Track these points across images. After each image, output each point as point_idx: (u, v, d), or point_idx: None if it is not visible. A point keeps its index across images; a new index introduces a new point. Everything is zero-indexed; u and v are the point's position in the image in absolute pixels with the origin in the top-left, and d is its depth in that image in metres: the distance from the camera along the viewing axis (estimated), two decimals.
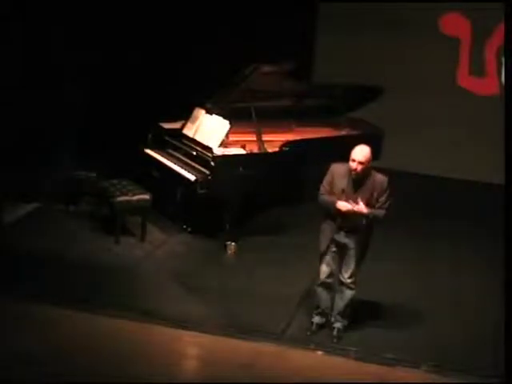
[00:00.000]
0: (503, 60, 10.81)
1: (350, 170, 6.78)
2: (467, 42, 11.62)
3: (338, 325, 7.15)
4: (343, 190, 6.79)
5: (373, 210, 6.78)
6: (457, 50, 11.65)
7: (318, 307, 7.25)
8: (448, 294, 8.10)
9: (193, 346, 7.16)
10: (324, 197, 6.93)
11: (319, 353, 6.95)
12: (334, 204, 6.80)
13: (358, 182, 6.80)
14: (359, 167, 6.73)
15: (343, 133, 9.87)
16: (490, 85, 11.61)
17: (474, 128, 11.47)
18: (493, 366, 6.74)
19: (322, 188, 6.96)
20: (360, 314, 7.36)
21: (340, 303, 7.11)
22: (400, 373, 6.71)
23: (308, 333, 7.20)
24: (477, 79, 11.69)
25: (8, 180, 9.05)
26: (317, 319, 7.26)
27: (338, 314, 7.14)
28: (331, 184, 6.90)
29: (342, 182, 6.83)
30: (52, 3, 9.45)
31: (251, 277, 8.24)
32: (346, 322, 7.17)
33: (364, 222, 6.83)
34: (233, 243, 8.80)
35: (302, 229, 9.26)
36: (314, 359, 6.90)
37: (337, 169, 6.92)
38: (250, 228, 9.28)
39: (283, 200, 9.98)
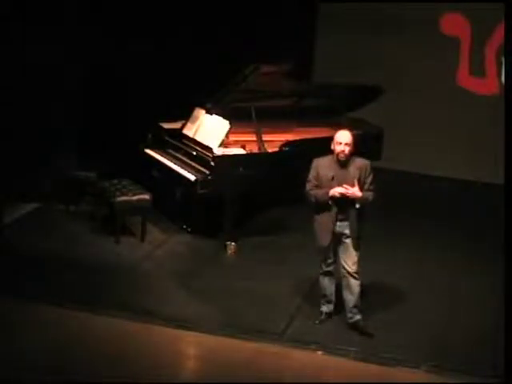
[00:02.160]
0: (503, 60, 10.80)
1: (337, 155, 6.96)
2: (467, 42, 11.62)
3: (357, 317, 7.19)
4: (333, 178, 6.96)
5: (364, 193, 6.96)
6: (457, 50, 11.64)
7: (324, 296, 7.36)
8: (448, 294, 8.10)
9: (193, 346, 7.16)
10: (314, 191, 7.06)
11: (319, 353, 6.94)
12: (327, 194, 6.94)
13: (345, 167, 6.99)
14: (347, 149, 6.95)
15: None
16: (490, 85, 11.61)
17: (474, 128, 11.47)
18: (492, 367, 6.74)
19: (309, 185, 7.11)
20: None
21: (351, 297, 7.16)
22: (400, 373, 6.70)
23: (316, 322, 7.31)
24: (477, 79, 11.68)
25: (8, 180, 9.05)
26: (325, 308, 7.38)
27: (354, 307, 7.18)
28: (318, 178, 7.06)
29: (329, 172, 7.00)
30: (52, 3, 9.46)
31: (251, 277, 8.24)
32: (360, 315, 7.21)
33: (358, 206, 6.96)
34: (233, 243, 8.80)
35: (301, 229, 9.23)
36: (313, 359, 6.90)
37: (320, 162, 7.10)
38: (249, 228, 9.28)
39: (283, 200, 9.98)
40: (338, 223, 7.03)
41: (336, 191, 6.91)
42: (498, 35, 11.17)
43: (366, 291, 7.39)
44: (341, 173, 6.98)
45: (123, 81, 10.53)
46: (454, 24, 11.59)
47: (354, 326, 7.20)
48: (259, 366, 6.70)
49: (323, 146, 9.33)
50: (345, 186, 6.89)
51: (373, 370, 6.74)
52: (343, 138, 6.97)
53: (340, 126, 9.84)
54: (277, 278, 8.20)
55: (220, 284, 8.05)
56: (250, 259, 8.69)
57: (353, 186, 6.89)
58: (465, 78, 11.71)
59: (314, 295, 7.73)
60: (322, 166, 7.07)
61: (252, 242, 9.01)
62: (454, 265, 8.81)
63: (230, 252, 8.80)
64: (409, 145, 11.47)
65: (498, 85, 11.51)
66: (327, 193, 6.95)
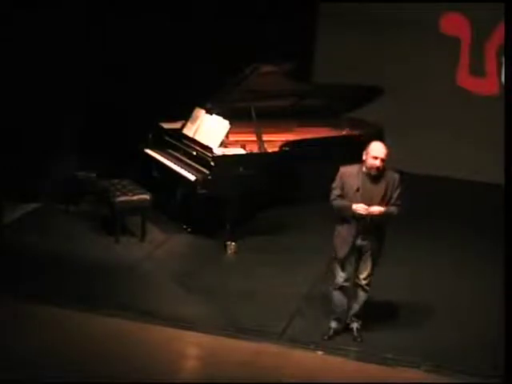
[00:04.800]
0: (503, 60, 10.80)
1: (369, 168, 6.70)
2: (467, 42, 11.62)
3: (355, 325, 7.13)
4: (358, 189, 6.74)
5: (389, 208, 6.77)
6: (457, 49, 11.65)
7: (334, 312, 7.15)
8: (448, 294, 8.10)
9: (193, 346, 7.16)
10: (337, 201, 6.82)
11: (319, 353, 6.94)
12: (349, 207, 6.71)
13: (373, 181, 6.75)
14: (382, 164, 6.70)
15: (343, 133, 9.88)
16: (490, 85, 11.61)
17: (474, 128, 11.47)
18: (492, 367, 6.74)
19: (333, 193, 6.85)
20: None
21: (355, 306, 7.10)
22: (400, 373, 6.70)
23: (325, 337, 7.10)
24: (477, 79, 11.69)
25: (8, 180, 9.06)
26: (334, 324, 7.16)
27: (354, 315, 7.13)
28: (342, 187, 6.81)
29: (355, 183, 6.76)
30: (53, 2, 9.46)
31: (251, 277, 8.23)
32: (360, 322, 7.16)
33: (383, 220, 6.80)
34: (233, 243, 8.80)
35: (301, 229, 9.26)
36: (313, 359, 6.90)
37: (347, 171, 6.84)
38: (249, 228, 9.28)
39: (283, 200, 9.98)
40: (360, 237, 6.85)
41: (359, 208, 6.66)
42: (498, 35, 11.17)
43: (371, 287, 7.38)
44: (368, 185, 6.73)
45: (123, 81, 10.54)
46: (454, 24, 11.59)
47: (350, 331, 7.15)
48: (259, 365, 6.70)
49: (323, 146, 9.45)
50: (371, 209, 6.67)
51: (373, 370, 6.74)
52: (381, 153, 6.67)
53: (340, 126, 9.98)
54: (277, 278, 8.20)
55: (220, 284, 8.04)
56: (250, 259, 8.68)
57: (378, 200, 6.68)
58: (465, 78, 11.72)
59: (313, 295, 7.74)
60: (348, 175, 6.80)
61: (252, 242, 9.01)
62: (454, 265, 8.81)
63: (230, 252, 8.80)
64: (409, 145, 11.46)
65: (498, 85, 11.51)
66: (350, 206, 6.70)
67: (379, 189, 6.75)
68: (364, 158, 6.77)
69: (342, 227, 6.88)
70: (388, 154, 6.73)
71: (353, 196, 6.76)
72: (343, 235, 6.88)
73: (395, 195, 6.81)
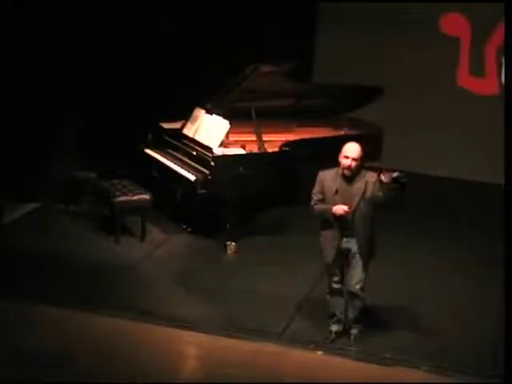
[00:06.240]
0: (503, 60, 10.79)
1: (343, 169, 6.73)
2: (467, 42, 11.60)
3: (354, 331, 7.10)
4: (337, 191, 6.75)
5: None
6: (457, 49, 11.63)
7: (333, 315, 7.13)
8: (448, 294, 8.10)
9: (193, 346, 7.16)
10: (318, 206, 6.85)
11: (319, 353, 6.94)
12: (330, 210, 6.74)
13: (350, 182, 6.75)
14: (353, 164, 6.69)
15: (343, 133, 9.88)
16: (490, 85, 11.59)
17: (474, 128, 11.45)
18: (492, 367, 6.74)
19: (313, 198, 6.89)
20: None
21: (351, 310, 7.06)
22: (400, 373, 6.70)
23: (327, 341, 7.08)
24: (477, 79, 11.67)
25: (8, 180, 9.06)
26: (335, 327, 7.14)
27: (352, 319, 7.09)
28: (322, 192, 6.84)
29: (333, 185, 6.77)
30: (53, 3, 9.47)
31: (251, 277, 8.24)
32: (360, 327, 7.13)
33: (381, 195, 6.55)
34: (233, 243, 8.80)
35: (302, 229, 9.25)
36: (313, 359, 6.90)
37: (325, 175, 6.87)
38: (250, 228, 9.29)
39: (283, 200, 9.99)
40: (345, 239, 6.83)
41: (338, 210, 6.68)
42: (498, 35, 11.15)
43: (366, 291, 7.38)
44: (345, 187, 6.74)
45: (123, 81, 10.54)
46: (454, 24, 11.57)
47: (351, 337, 7.13)
48: (259, 365, 6.70)
49: (323, 146, 9.44)
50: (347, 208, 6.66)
51: (373, 370, 6.74)
52: (351, 153, 6.69)
53: (340, 126, 9.98)
54: (277, 278, 8.20)
55: (220, 284, 8.05)
56: (250, 259, 8.69)
57: (357, 201, 6.67)
58: (465, 78, 11.70)
59: (313, 295, 7.74)
60: (326, 179, 6.82)
61: (252, 242, 9.02)
62: (454, 265, 8.81)
63: (229, 252, 8.80)
64: (409, 145, 11.45)
65: (498, 85, 11.49)
66: (330, 209, 6.72)
67: (357, 189, 6.73)
68: (339, 159, 6.78)
69: (327, 231, 6.89)
70: (362, 155, 6.71)
71: (332, 199, 6.77)
72: (328, 239, 6.88)
73: (376, 189, 6.61)
